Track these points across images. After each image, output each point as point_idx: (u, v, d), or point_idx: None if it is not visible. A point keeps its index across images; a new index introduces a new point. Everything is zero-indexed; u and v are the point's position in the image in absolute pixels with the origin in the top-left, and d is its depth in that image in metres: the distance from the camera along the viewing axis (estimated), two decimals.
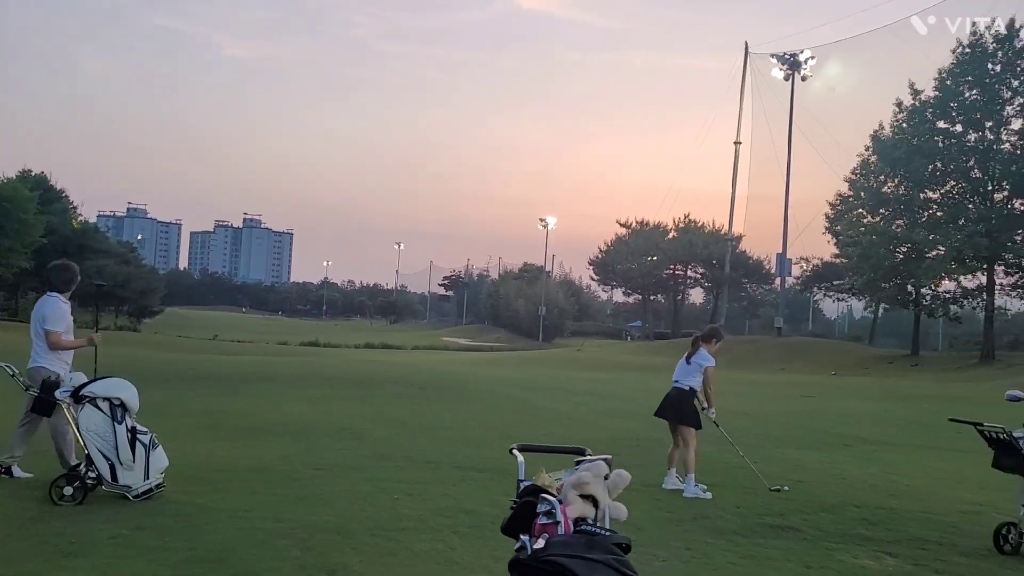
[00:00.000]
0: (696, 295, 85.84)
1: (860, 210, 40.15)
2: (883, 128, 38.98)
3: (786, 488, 8.71)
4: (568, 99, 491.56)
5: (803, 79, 49.67)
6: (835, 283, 48.86)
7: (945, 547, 6.54)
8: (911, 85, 37.19)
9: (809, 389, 25.83)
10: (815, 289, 57.32)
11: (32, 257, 53.07)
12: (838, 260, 44.53)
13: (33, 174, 64.78)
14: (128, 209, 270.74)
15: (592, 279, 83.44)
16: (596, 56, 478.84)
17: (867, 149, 39.83)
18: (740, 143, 55.70)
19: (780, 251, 49.05)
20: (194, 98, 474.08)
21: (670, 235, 70.58)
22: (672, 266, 70.86)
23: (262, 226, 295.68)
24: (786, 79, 49.92)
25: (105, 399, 6.66)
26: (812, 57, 49.47)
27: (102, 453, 6.46)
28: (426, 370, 25.34)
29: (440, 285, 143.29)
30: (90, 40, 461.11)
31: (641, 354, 46.52)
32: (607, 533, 2.34)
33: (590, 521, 2.46)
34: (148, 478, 6.61)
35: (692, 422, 8.38)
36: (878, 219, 39.42)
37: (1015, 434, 6.40)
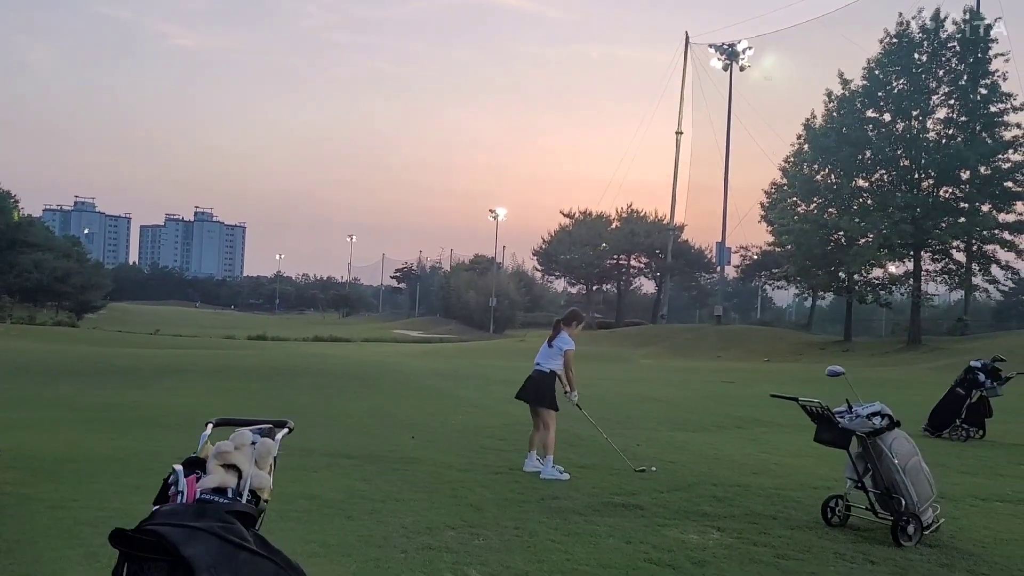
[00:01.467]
0: (649, 285, 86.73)
1: (794, 198, 40.77)
2: (815, 117, 39.63)
3: (653, 469, 8.84)
4: (522, 92, 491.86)
5: (741, 69, 50.36)
6: (774, 271, 49.55)
7: (777, 521, 6.69)
8: (840, 75, 37.86)
9: (735, 375, 26.23)
10: (757, 277, 58.09)
11: None
12: (770, 248, 45.24)
13: None
14: (75, 203, 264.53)
15: (536, 269, 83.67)
16: (550, 49, 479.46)
17: (799, 138, 40.47)
18: (681, 133, 56.37)
19: (719, 240, 49.71)
20: (143, 90, 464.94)
21: (613, 225, 71.00)
22: (615, 256, 71.31)
23: (214, 219, 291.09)
24: (725, 69, 50.58)
25: None
26: (750, 47, 50.14)
27: None
28: (354, 361, 25.17)
29: (392, 278, 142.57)
30: (31, 29, 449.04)
31: (581, 343, 46.80)
32: (226, 501, 2.34)
33: (232, 490, 2.45)
34: None
35: (551, 404, 8.45)
36: (812, 207, 40.07)
37: (835, 410, 6.56)
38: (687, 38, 56.10)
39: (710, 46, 51.94)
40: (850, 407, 6.55)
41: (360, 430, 11.36)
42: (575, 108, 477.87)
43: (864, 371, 29.16)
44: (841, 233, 38.52)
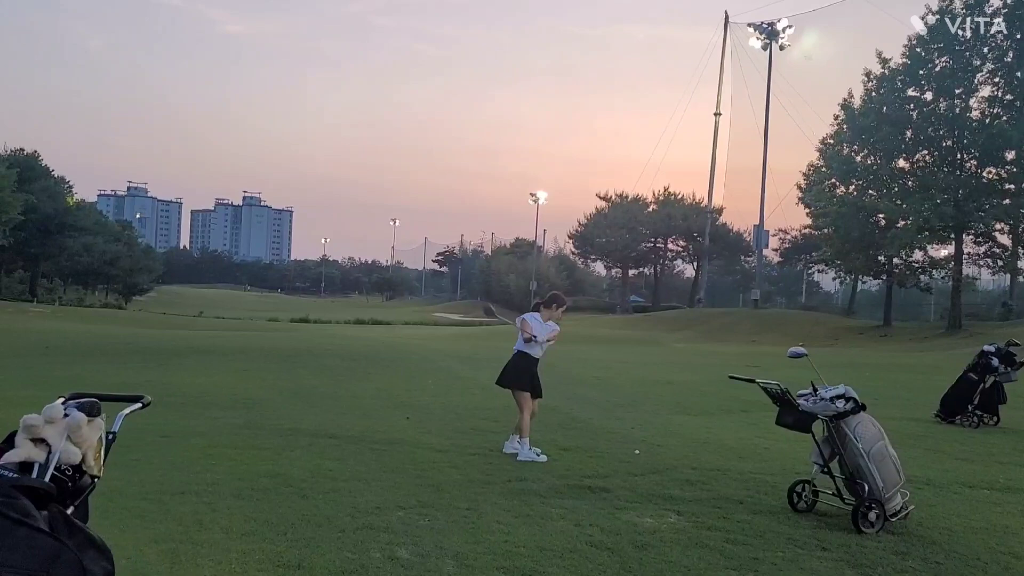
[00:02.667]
0: (690, 269, 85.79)
1: (832, 181, 39.87)
2: (853, 97, 38.66)
3: (636, 452, 8.74)
4: (565, 74, 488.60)
5: (781, 49, 49.31)
6: (813, 254, 48.63)
7: (744, 506, 6.55)
8: (879, 54, 36.81)
9: (764, 360, 25.76)
10: (797, 261, 57.09)
11: (11, 235, 53.30)
12: (809, 231, 44.39)
13: (24, 153, 64.84)
14: (128, 188, 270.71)
15: (572, 253, 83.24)
16: (594, 30, 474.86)
17: (836, 119, 39.51)
18: (720, 114, 55.48)
19: (757, 223, 48.91)
20: (194, 75, 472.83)
21: (650, 208, 70.22)
22: (652, 239, 70.59)
23: (262, 204, 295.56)
24: (764, 49, 49.56)
25: None
26: (790, 26, 49.01)
27: None
28: (377, 343, 25.37)
29: (435, 261, 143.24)
30: (88, 18, 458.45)
31: (615, 327, 46.62)
32: (11, 475, 2.32)
33: (40, 464, 2.44)
34: None
35: (523, 387, 8.38)
36: (851, 189, 39.18)
37: (799, 392, 6.39)
38: (727, 17, 55.18)
39: (749, 25, 51.02)
40: (815, 390, 6.37)
41: (357, 411, 11.41)
42: (618, 90, 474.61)
43: (899, 356, 28.56)
44: (881, 216, 37.63)
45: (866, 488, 6.00)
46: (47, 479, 2.41)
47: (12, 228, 52.29)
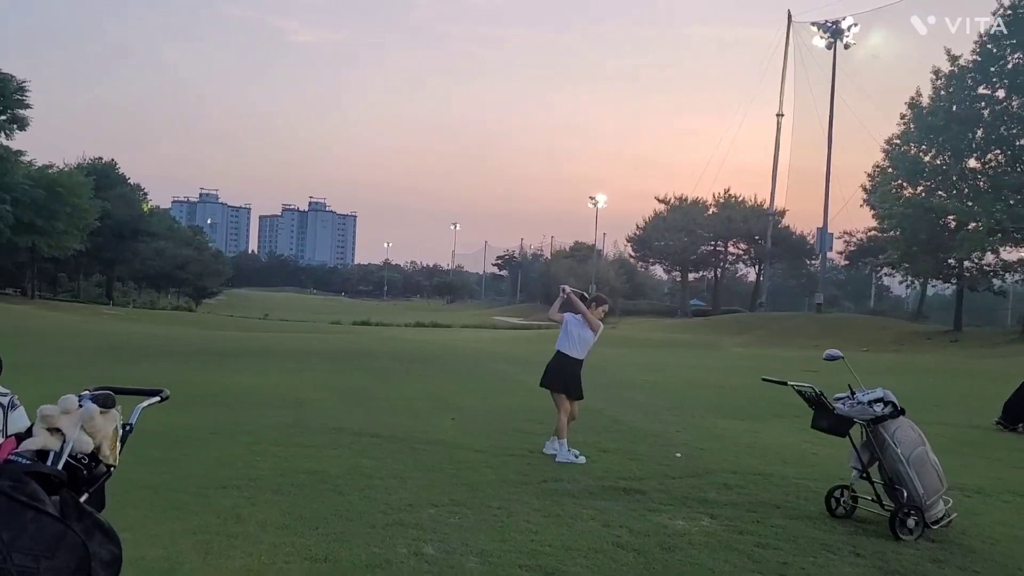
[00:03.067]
0: (752, 272, 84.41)
1: (899, 182, 38.76)
2: (920, 96, 37.54)
3: (677, 455, 8.69)
4: (628, 76, 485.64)
5: (846, 47, 48.20)
6: (879, 257, 47.39)
7: (780, 511, 6.46)
8: (948, 51, 35.67)
9: (822, 365, 25.23)
10: (863, 264, 55.63)
11: (88, 240, 55.37)
12: (875, 234, 43.25)
13: (102, 161, 67.36)
14: (200, 195, 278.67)
15: (630, 256, 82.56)
16: (659, 31, 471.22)
17: (903, 118, 38.41)
18: (782, 115, 54.50)
19: (821, 225, 47.88)
20: (263, 84, 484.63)
21: (710, 211, 69.30)
22: (712, 242, 69.61)
23: (327, 209, 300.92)
24: (828, 48, 48.53)
25: None
26: (855, 24, 47.91)
27: None
28: (430, 346, 25.63)
29: (494, 265, 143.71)
30: (167, 30, 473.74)
31: (673, 331, 46.11)
32: (26, 462, 2.47)
33: (55, 452, 2.58)
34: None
35: (560, 388, 8.43)
36: (918, 191, 38.05)
37: (835, 396, 6.29)
38: (789, 16, 54.22)
39: (813, 24, 50.04)
40: (852, 393, 6.26)
41: (403, 412, 11.55)
42: (681, 92, 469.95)
43: (968, 362, 27.63)
44: (950, 217, 36.47)
45: (905, 494, 5.87)
46: (60, 467, 2.54)
47: (89, 234, 54.36)
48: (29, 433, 2.67)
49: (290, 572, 4.53)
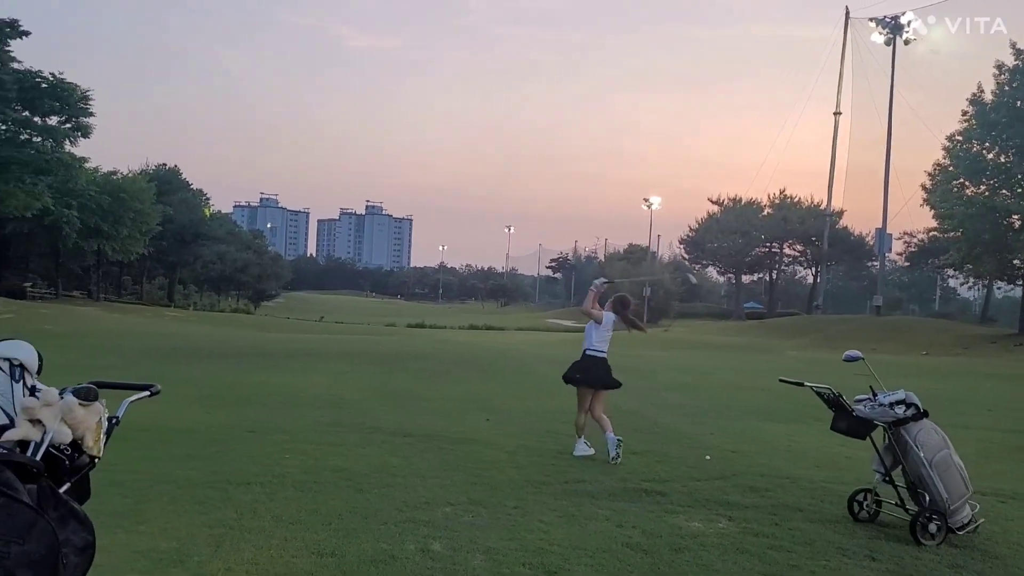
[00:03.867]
0: (810, 274, 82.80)
1: (960, 180, 37.67)
2: (982, 91, 36.42)
3: (707, 458, 8.63)
4: (685, 77, 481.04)
5: (905, 43, 47.01)
6: (941, 258, 46.11)
7: (802, 514, 6.37)
8: (1013, 45, 34.56)
9: (877, 368, 24.69)
10: (925, 265, 54.23)
11: (150, 244, 57.10)
12: (936, 234, 42.08)
13: (165, 167, 69.43)
14: (261, 199, 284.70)
15: (683, 258, 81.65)
16: (715, 30, 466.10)
17: (964, 115, 37.31)
18: (840, 113, 53.42)
19: (880, 226, 46.72)
20: (321, 90, 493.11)
21: (764, 212, 68.14)
22: (767, 244, 68.42)
23: (383, 212, 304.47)
24: (887, 44, 47.41)
25: (5, 359, 7.28)
26: (915, 19, 46.70)
27: (2, 410, 7.10)
28: (476, 348, 25.75)
29: (548, 267, 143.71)
30: (227, 39, 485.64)
31: (726, 333, 45.56)
32: (3, 451, 2.59)
33: (35, 442, 2.71)
34: None
35: (576, 382, 8.57)
36: (981, 189, 36.92)
37: (856, 398, 6.18)
38: (847, 13, 53.14)
39: (871, 20, 48.95)
40: (874, 394, 6.14)
41: (441, 412, 11.65)
42: (738, 92, 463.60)
43: None
44: (1015, 216, 35.31)
45: (927, 498, 5.74)
46: (39, 457, 2.67)
47: (152, 238, 56.08)
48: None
49: (295, 565, 4.63)
